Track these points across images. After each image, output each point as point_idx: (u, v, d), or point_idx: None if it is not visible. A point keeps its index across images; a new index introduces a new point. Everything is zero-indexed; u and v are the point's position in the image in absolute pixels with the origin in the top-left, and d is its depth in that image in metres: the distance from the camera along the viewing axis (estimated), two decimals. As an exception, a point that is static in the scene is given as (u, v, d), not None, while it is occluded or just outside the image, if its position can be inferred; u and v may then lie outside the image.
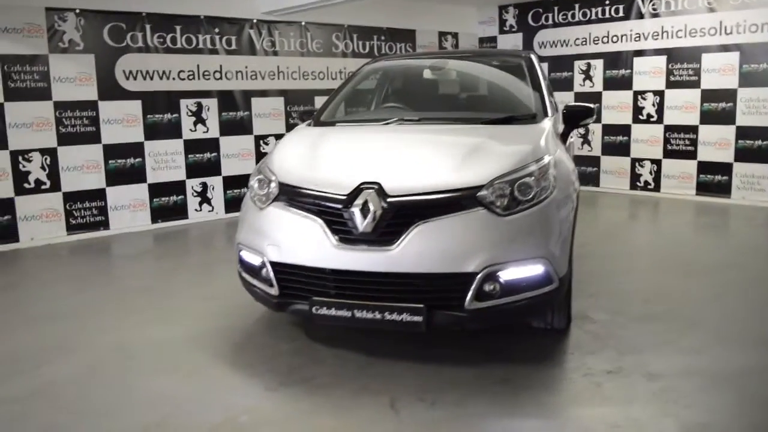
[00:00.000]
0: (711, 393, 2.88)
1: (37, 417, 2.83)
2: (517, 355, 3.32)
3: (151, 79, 6.51)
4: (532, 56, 4.44)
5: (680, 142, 7.48)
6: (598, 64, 8.05)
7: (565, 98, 8.32)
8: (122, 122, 6.39)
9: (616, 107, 7.95)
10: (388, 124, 3.86)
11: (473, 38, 9.25)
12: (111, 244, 6.17)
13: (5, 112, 5.70)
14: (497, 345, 3.45)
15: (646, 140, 7.75)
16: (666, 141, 7.59)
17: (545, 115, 3.85)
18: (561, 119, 4.02)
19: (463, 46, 9.12)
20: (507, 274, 2.98)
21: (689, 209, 7.14)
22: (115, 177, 6.39)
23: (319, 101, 7.17)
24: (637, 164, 7.88)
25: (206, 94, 6.89)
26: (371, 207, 2.99)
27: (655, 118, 7.64)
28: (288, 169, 3.40)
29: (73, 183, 6.15)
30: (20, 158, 5.84)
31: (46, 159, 5.98)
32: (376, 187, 3.03)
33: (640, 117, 7.76)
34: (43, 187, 5.99)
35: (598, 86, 8.10)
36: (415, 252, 2.93)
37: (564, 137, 4.07)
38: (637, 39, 7.65)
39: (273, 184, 3.34)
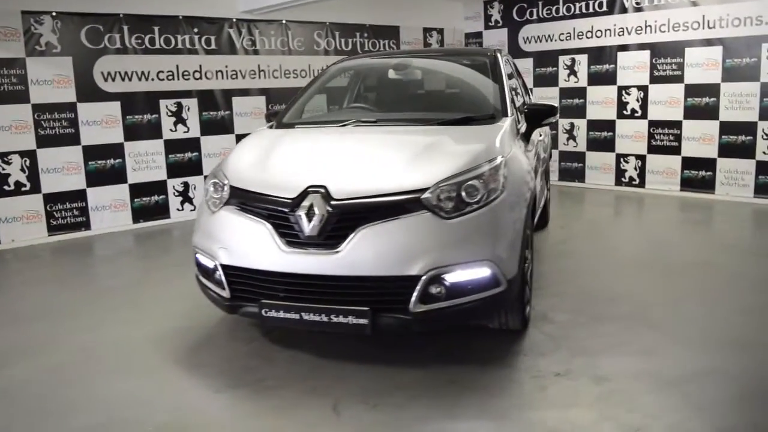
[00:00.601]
0: (656, 396, 2.87)
1: (-16, 421, 2.87)
2: (468, 357, 3.33)
3: (130, 80, 6.53)
4: (499, 54, 4.43)
5: (664, 138, 7.43)
6: (582, 59, 8.00)
7: (549, 94, 8.33)
8: (101, 123, 6.42)
9: (600, 102, 7.91)
10: (345, 125, 3.86)
11: (459, 34, 9.22)
12: (92, 245, 6.21)
13: (-17, 115, 5.76)
14: (450, 346, 3.46)
15: (631, 136, 7.70)
16: (650, 136, 7.55)
17: (504, 114, 3.84)
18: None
19: (449, 42, 9.09)
20: (452, 277, 2.98)
21: (673, 205, 7.10)
22: (96, 178, 6.43)
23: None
24: (621, 160, 7.84)
25: (186, 94, 6.90)
26: (316, 210, 3.00)
27: (639, 114, 7.60)
28: (240, 173, 3.42)
29: (53, 184, 6.19)
30: (0, 161, 5.89)
31: (25, 161, 6.02)
32: (322, 190, 3.05)
33: (625, 112, 7.72)
34: (23, 189, 6.03)
35: (583, 81, 8.05)
36: (359, 255, 2.94)
37: (527, 136, 4.07)
38: (621, 33, 7.59)
39: (225, 188, 3.36)
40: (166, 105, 6.80)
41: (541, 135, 4.85)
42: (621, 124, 7.78)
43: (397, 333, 3.36)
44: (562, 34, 8.12)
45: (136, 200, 6.71)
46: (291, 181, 3.16)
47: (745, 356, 3.24)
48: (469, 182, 3.07)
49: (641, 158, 7.66)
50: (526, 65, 8.51)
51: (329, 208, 2.99)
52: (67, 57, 6.14)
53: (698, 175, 7.23)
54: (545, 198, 6.04)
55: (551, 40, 8.23)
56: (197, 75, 6.97)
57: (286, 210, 3.07)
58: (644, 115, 7.55)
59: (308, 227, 3.00)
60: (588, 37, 7.89)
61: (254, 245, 3.13)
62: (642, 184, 7.70)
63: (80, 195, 6.37)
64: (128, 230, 6.65)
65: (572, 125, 8.24)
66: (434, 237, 2.95)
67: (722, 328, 3.62)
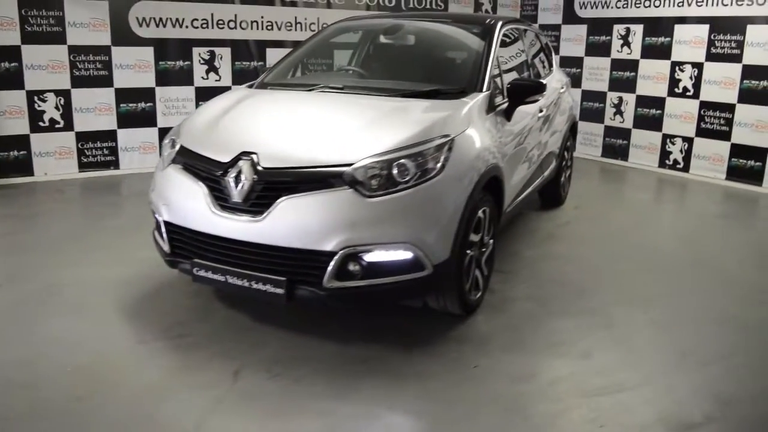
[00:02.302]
0: (562, 408, 2.75)
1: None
2: (395, 339, 3.28)
3: (164, 26, 6.69)
4: (498, 25, 4.21)
5: (714, 121, 6.86)
6: (637, 30, 7.44)
7: (600, 64, 7.85)
8: (134, 68, 6.64)
9: (652, 78, 7.36)
10: (311, 91, 3.81)
11: (515, -5, 8.80)
12: (118, 184, 6.52)
13: (22, 54, 6.07)
14: (386, 326, 3.42)
15: (680, 116, 7.16)
16: (700, 118, 6.98)
17: (479, 89, 3.66)
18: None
19: (502, 1, 8.69)
20: (371, 257, 2.93)
21: (714, 195, 6.59)
22: (126, 120, 6.70)
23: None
24: (668, 141, 7.33)
25: (220, 42, 7.00)
26: (243, 177, 3.01)
27: (691, 93, 7.03)
28: (191, 132, 3.48)
29: (85, 123, 6.51)
30: (35, 98, 6.23)
31: (60, 100, 6.35)
32: (253, 157, 3.04)
33: (676, 90, 7.16)
34: (56, 126, 6.38)
35: (636, 54, 7.50)
36: (278, 225, 2.94)
37: (508, 114, 3.87)
38: (680, 4, 6.97)
39: (176, 146, 3.43)
40: (198, 53, 6.93)
41: (542, 110, 4.59)
42: (671, 103, 7.23)
43: (315, 306, 3.34)
44: (619, 1, 7.56)
45: (164, 144, 6.94)
46: (228, 145, 3.18)
47: (684, 388, 2.90)
48: (401, 161, 2.98)
49: (688, 141, 7.12)
50: (579, 32, 8.03)
51: (255, 176, 2.99)
52: (104, 1, 6.34)
53: (746, 165, 6.65)
54: (564, 176, 5.78)
55: (607, 7, 7.69)
56: (232, 24, 7.03)
57: (218, 173, 3.10)
58: (696, 95, 6.98)
59: (235, 193, 3.02)
60: (645, 6, 7.31)
61: (190, 205, 3.19)
62: (686, 169, 7.18)
63: (111, 135, 6.67)
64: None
65: (620, 99, 7.75)
66: (353, 214, 2.89)
67: (682, 347, 3.31)
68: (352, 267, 2.93)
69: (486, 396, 2.78)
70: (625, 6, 7.52)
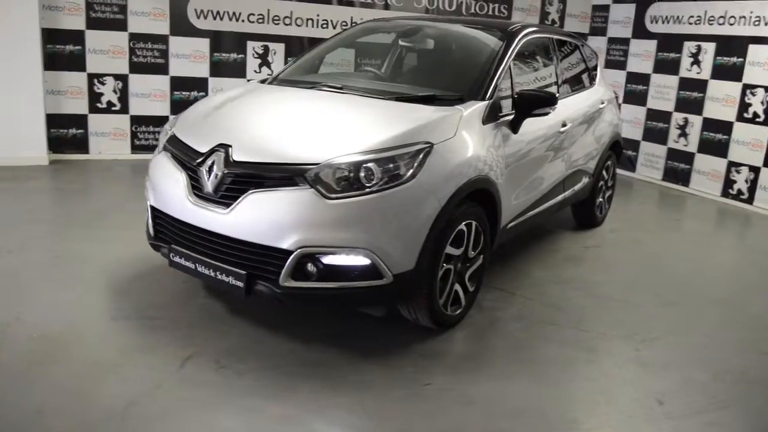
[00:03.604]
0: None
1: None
2: (359, 344, 3.21)
3: (221, 19, 6.90)
4: (519, 33, 4.05)
5: (785, 152, 6.30)
6: (709, 48, 6.95)
7: (668, 83, 7.40)
8: (190, 57, 6.89)
9: (720, 100, 6.85)
10: (311, 89, 3.80)
11: (586, 4, 8.43)
12: (166, 168, 6.77)
13: (86, 38, 6.44)
14: (357, 329, 3.36)
15: (748, 143, 6.62)
16: (769, 147, 6.44)
17: (479, 98, 3.53)
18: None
19: (571, 11, 8.36)
20: (328, 259, 2.89)
21: (774, 231, 6.06)
22: (179, 107, 6.91)
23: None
24: (733, 169, 6.79)
25: (274, 38, 7.14)
26: (215, 169, 3.04)
27: (761, 119, 6.47)
28: (184, 121, 3.57)
29: (140, 108, 6.82)
30: (95, 81, 6.59)
31: (118, 84, 6.68)
32: (228, 149, 3.07)
33: (745, 115, 6.62)
34: (113, 108, 6.72)
35: (706, 73, 7.01)
36: (242, 219, 2.94)
37: (514, 125, 3.72)
38: (757, 23, 6.45)
39: (169, 134, 3.52)
40: (253, 47, 7.10)
41: (566, 125, 4.37)
42: (739, 128, 6.70)
43: (273, 302, 3.30)
44: (692, 16, 7.08)
45: (213, 133, 7.16)
46: (209, 136, 3.23)
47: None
48: (368, 164, 2.91)
49: (755, 170, 6.57)
50: (648, 48, 7.61)
51: (225, 169, 3.01)
52: (165, -8, 6.64)
53: (816, 202, 6.07)
54: (602, 196, 5.49)
55: (679, 22, 7.23)
56: (287, 21, 7.16)
57: (194, 163, 3.15)
58: (767, 122, 6.43)
59: (208, 183, 3.06)
60: (719, 23, 6.81)
61: (172, 192, 3.25)
62: (750, 200, 6.63)
63: (163, 121, 6.93)
64: (203, 160, 7.14)
65: (686, 121, 7.27)
66: (311, 215, 2.85)
67: (661, 394, 3.04)
68: (309, 268, 2.90)
69: (424, 416, 2.67)
70: (697, 22, 7.04)
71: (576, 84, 4.92)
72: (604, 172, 5.43)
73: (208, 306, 3.52)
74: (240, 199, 2.95)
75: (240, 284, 2.97)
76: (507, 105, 3.71)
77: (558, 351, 3.33)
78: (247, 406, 2.63)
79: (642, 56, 7.74)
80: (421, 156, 3.02)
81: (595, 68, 5.35)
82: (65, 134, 6.59)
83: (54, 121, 6.48)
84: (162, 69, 6.81)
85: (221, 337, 3.18)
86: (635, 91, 7.88)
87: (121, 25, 6.53)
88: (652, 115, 7.67)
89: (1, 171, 5.96)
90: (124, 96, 6.73)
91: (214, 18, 6.87)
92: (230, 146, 3.08)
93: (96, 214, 4.99)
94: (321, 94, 3.70)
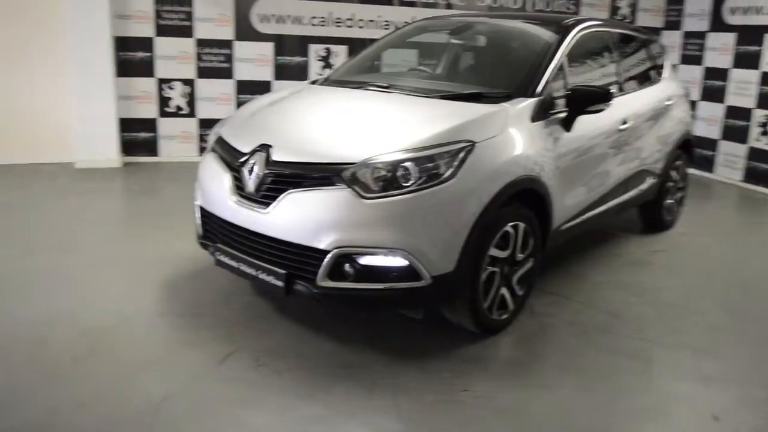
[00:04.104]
0: None
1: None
2: (396, 346, 3.16)
3: (284, 23, 7.01)
4: (573, 28, 3.89)
5: None
6: (794, 40, 6.48)
7: (748, 77, 6.95)
8: (254, 61, 7.04)
9: (807, 95, 6.37)
10: (358, 89, 3.77)
11: (660, -2, 8.05)
12: (230, 170, 6.95)
13: (154, 45, 6.69)
14: (394, 331, 3.32)
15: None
16: None
17: (529, 95, 3.41)
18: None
19: (643, 5, 8.00)
20: (365, 260, 2.85)
21: None
22: (243, 110, 7.11)
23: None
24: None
25: (336, 40, 7.19)
26: (256, 169, 3.07)
27: None
28: (232, 122, 3.63)
29: (207, 111, 7.02)
30: (164, 86, 6.84)
31: (186, 88, 6.91)
32: (268, 149, 3.09)
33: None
34: (181, 112, 6.96)
35: (790, 67, 6.55)
36: (281, 218, 2.96)
37: (567, 123, 3.57)
38: None
39: (217, 135, 3.58)
40: (315, 49, 7.18)
41: (626, 123, 4.16)
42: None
43: (312, 302, 3.27)
44: (775, 6, 6.63)
45: (276, 135, 7.29)
46: (251, 137, 3.26)
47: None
48: (405, 164, 2.86)
49: None
50: (726, 41, 7.16)
51: (266, 170, 3.03)
52: (230, -2, 6.81)
53: None
54: (671, 198, 5.21)
55: (759, 13, 6.76)
56: (349, 23, 7.20)
57: (237, 164, 3.19)
58: None
59: (249, 183, 3.09)
60: (806, 13, 6.34)
61: (217, 192, 3.31)
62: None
63: (228, 124, 7.12)
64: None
65: (769, 119, 6.81)
66: (347, 215, 2.83)
67: (718, 410, 2.84)
68: (346, 268, 2.87)
69: (454, 423, 2.58)
70: (781, 13, 6.58)
71: (639, 80, 4.68)
72: (673, 173, 5.14)
73: (254, 304, 3.56)
74: (279, 198, 2.96)
75: (280, 284, 2.98)
76: (559, 102, 3.57)
77: (610, 360, 3.16)
78: (279, 405, 2.63)
79: (719, 50, 7.29)
80: (461, 155, 2.94)
81: (662, 63, 5.08)
82: (136, 138, 6.87)
83: (126, 125, 6.77)
84: (227, 73, 6.99)
85: (263, 335, 3.21)
86: (713, 87, 7.44)
87: (187, 32, 6.75)
88: (732, 112, 7.22)
89: (78, 173, 6.30)
90: (191, 100, 6.95)
91: (277, 22, 6.99)
92: (271, 146, 3.10)
93: (158, 214, 5.16)
94: (366, 94, 3.68)
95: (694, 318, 3.69)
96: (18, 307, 3.40)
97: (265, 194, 3.03)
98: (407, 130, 3.05)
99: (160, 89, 6.83)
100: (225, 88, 7.03)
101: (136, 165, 6.78)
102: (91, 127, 6.42)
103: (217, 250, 3.30)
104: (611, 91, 3.60)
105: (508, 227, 3.19)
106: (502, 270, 3.26)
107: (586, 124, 3.70)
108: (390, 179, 2.85)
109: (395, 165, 2.85)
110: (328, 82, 4.13)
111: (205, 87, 6.96)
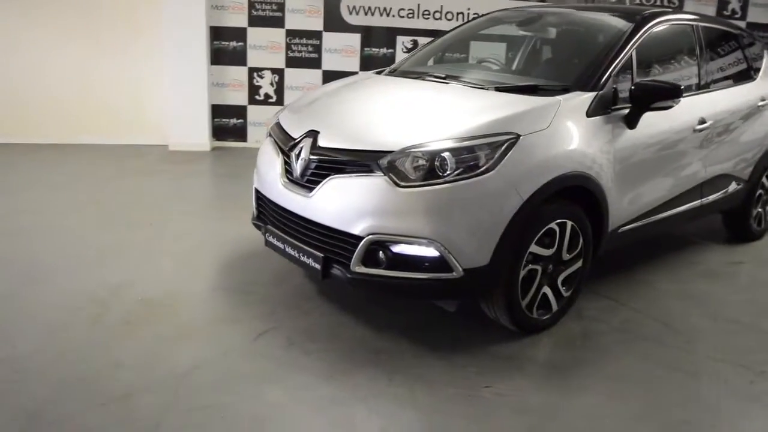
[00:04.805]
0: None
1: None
2: (428, 336, 3.17)
3: (372, 14, 7.10)
4: (648, 22, 3.68)
5: None
6: None
7: None
8: (341, 52, 7.19)
9: None
10: (417, 79, 3.77)
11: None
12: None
13: (247, 35, 7.00)
14: (431, 322, 3.32)
15: None
16: None
17: (589, 88, 3.28)
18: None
19: (756, 1, 7.39)
20: (398, 248, 2.87)
21: None
22: (328, 100, 7.29)
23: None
24: None
25: (424, 32, 7.19)
26: (302, 154, 3.16)
27: None
28: (290, 109, 3.74)
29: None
30: (255, 74, 7.14)
31: (275, 77, 7.18)
32: (315, 136, 3.17)
33: None
34: (269, 100, 7.23)
35: None
36: (322, 203, 3.03)
37: (630, 120, 3.40)
38: None
39: (276, 121, 3.72)
40: (402, 41, 7.22)
41: (704, 122, 3.91)
42: None
43: (347, 287, 3.28)
44: None
45: (359, 126, 7.42)
46: (303, 123, 3.36)
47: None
48: (443, 153, 2.84)
49: None
50: None
51: (311, 155, 3.12)
52: (320, -10, 7.00)
53: None
54: (761, 207, 4.83)
55: None
56: (437, 15, 7.18)
57: (288, 148, 3.30)
58: None
59: (296, 167, 3.19)
60: None
61: (270, 176, 3.45)
62: None
63: (313, 113, 7.33)
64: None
65: None
66: (381, 202, 2.86)
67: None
68: (380, 255, 2.90)
69: (467, 417, 2.55)
70: None
71: (727, 77, 4.36)
72: (765, 180, 4.76)
73: (301, 286, 3.67)
74: (322, 183, 3.04)
75: (318, 266, 3.07)
76: (624, 98, 3.40)
77: (650, 370, 3.00)
78: (298, 383, 2.71)
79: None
80: (503, 147, 2.88)
81: (758, 61, 4.70)
82: (226, 123, 7.23)
83: (217, 111, 7.14)
84: (315, 63, 7.19)
85: (302, 316, 3.31)
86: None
87: (279, 22, 7.00)
88: None
89: (170, 155, 6.72)
90: (279, 88, 7.21)
91: (366, 14, 7.10)
92: (318, 132, 3.18)
93: (238, 196, 5.38)
94: (422, 85, 3.68)
95: (754, 336, 3.42)
96: (91, 274, 3.70)
97: (310, 179, 3.11)
98: (452, 121, 3.03)
99: (251, 78, 7.14)
100: (312, 77, 7.23)
101: (225, 149, 7.13)
102: (185, 112, 6.82)
103: (267, 232, 3.43)
104: (681, 87, 3.38)
105: (553, 225, 3.09)
106: (546, 268, 3.17)
107: (653, 121, 3.50)
108: (427, 168, 2.84)
109: (433, 155, 2.84)
110: (392, 72, 4.16)
111: (293, 76, 7.19)
